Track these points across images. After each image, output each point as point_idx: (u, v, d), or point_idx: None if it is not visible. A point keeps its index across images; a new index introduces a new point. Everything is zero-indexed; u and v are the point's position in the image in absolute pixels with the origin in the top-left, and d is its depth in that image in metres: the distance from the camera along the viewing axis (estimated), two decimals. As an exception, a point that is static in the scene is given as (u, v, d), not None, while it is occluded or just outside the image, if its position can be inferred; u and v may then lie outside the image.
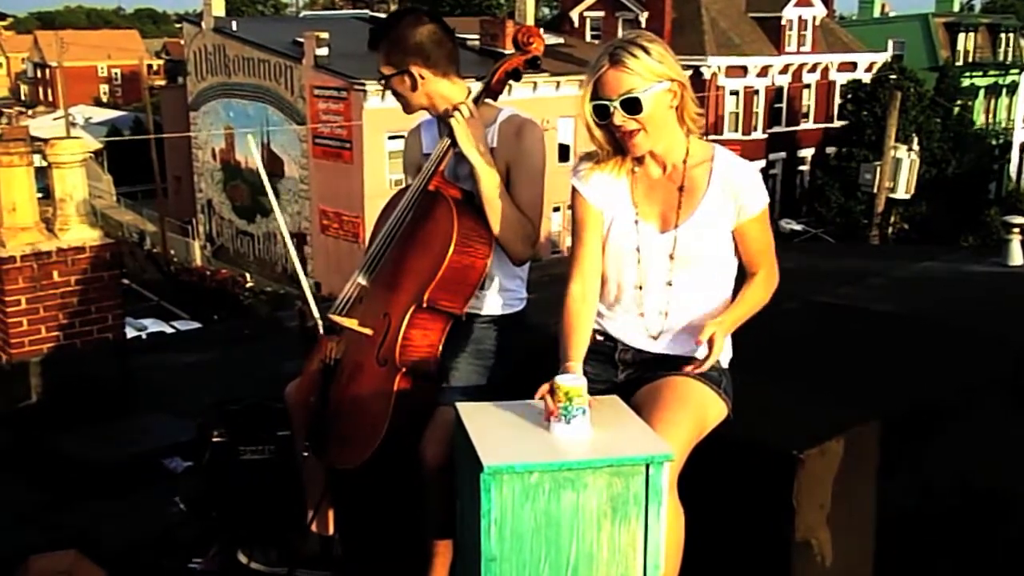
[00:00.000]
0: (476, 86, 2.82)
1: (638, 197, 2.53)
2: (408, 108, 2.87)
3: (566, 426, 2.17)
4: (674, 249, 2.49)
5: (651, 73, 2.36)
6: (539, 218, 2.77)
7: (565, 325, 2.48)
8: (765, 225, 2.54)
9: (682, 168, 2.50)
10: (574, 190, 2.57)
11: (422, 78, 2.78)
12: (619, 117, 2.39)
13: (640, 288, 2.53)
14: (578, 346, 2.44)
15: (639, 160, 2.53)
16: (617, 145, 2.49)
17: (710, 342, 2.41)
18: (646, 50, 2.37)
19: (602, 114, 2.41)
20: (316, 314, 3.09)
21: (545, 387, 2.22)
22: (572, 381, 2.18)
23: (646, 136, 2.42)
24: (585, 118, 2.45)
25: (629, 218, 2.53)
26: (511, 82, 2.85)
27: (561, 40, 30.15)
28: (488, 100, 2.83)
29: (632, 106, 2.37)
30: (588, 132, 2.49)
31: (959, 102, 36.31)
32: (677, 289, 2.52)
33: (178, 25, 52.26)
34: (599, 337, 2.63)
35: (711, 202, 2.48)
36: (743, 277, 2.59)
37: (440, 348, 2.77)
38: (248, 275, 29.86)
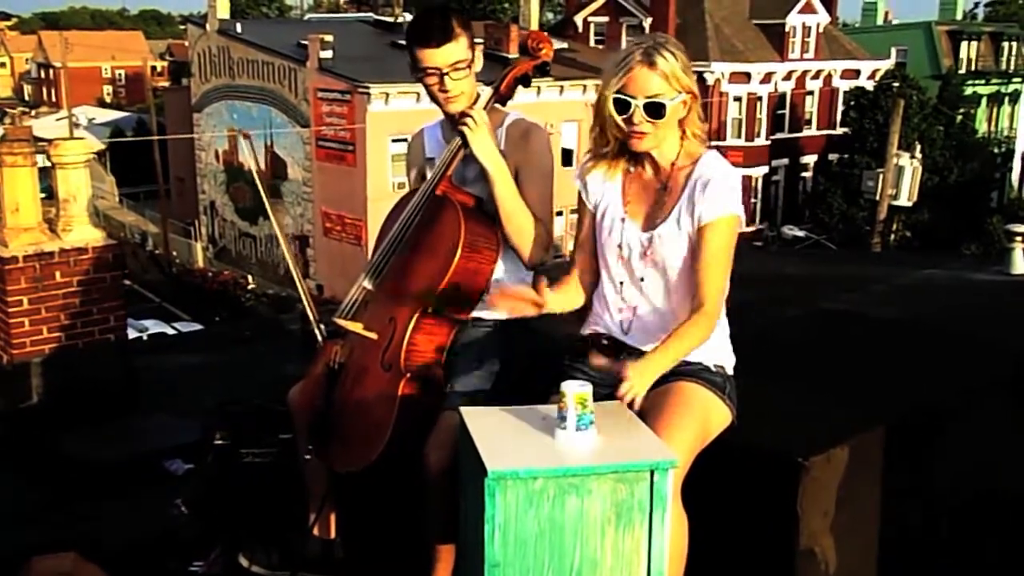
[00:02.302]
0: (485, 91, 2.82)
1: (629, 196, 2.58)
2: (462, 99, 2.75)
3: (577, 433, 2.16)
4: (649, 248, 2.52)
5: (677, 82, 2.40)
6: (549, 221, 2.77)
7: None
8: (719, 241, 2.42)
9: (670, 170, 2.53)
10: (578, 188, 2.66)
11: (479, 59, 2.78)
12: (638, 116, 2.41)
13: (621, 284, 2.58)
14: None
15: (635, 160, 2.57)
16: (619, 139, 2.50)
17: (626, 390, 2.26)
18: (676, 58, 2.40)
19: (620, 108, 2.42)
20: (314, 320, 3.09)
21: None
22: (581, 388, 2.18)
23: (652, 139, 2.46)
24: (604, 106, 2.44)
25: (617, 215, 2.58)
26: (518, 87, 2.85)
27: (565, 45, 30.16)
28: (496, 105, 2.82)
29: (656, 111, 2.40)
30: (594, 118, 2.50)
31: (962, 110, 36.27)
32: (647, 287, 2.55)
33: (182, 27, 52.29)
34: (603, 341, 2.63)
35: (685, 204, 2.49)
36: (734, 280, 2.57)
37: (445, 353, 2.77)
38: (250, 277, 29.87)
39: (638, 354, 2.58)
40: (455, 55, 2.69)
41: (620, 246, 2.55)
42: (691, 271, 2.47)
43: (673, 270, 2.52)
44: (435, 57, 2.68)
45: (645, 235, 2.53)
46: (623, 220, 2.56)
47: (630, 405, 2.33)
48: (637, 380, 2.28)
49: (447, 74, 2.70)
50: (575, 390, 2.16)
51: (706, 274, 2.43)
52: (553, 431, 2.18)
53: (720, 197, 2.43)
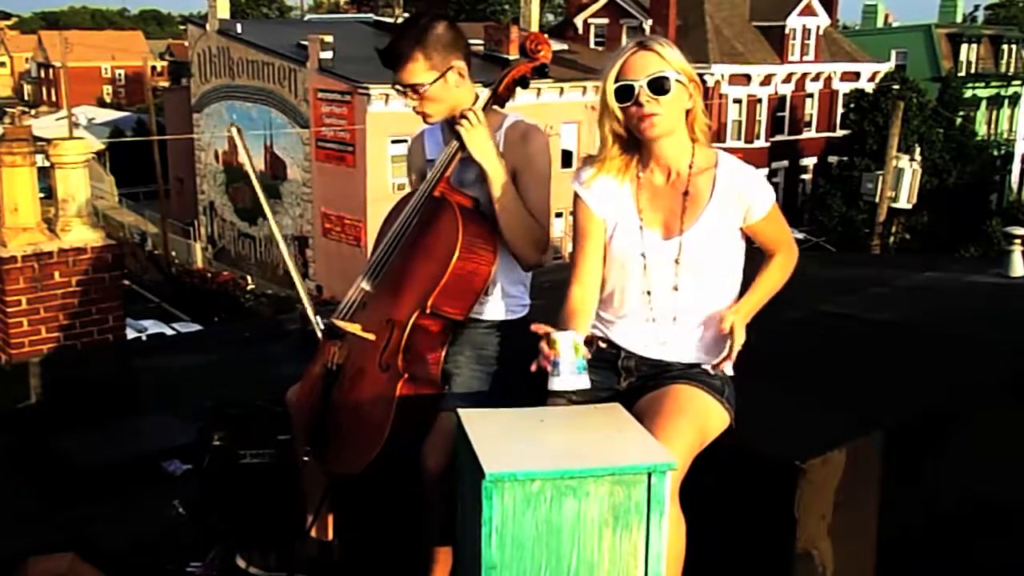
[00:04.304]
0: (483, 92, 2.81)
1: (642, 203, 2.54)
2: (435, 115, 2.77)
3: (571, 377, 2.17)
4: (680, 254, 2.49)
5: (677, 63, 2.41)
6: (548, 223, 2.76)
7: (563, 323, 2.49)
8: (776, 217, 2.57)
9: (687, 175, 2.51)
10: (576, 196, 2.58)
11: (461, 76, 2.75)
12: (644, 96, 2.38)
13: (648, 293, 2.53)
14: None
15: (644, 165, 2.53)
16: (624, 142, 2.49)
17: (731, 331, 2.45)
18: (672, 47, 2.43)
19: (624, 96, 2.40)
20: (314, 319, 3.09)
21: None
22: (573, 335, 2.22)
23: (663, 121, 2.41)
24: (606, 102, 2.43)
25: (634, 224, 2.53)
26: (517, 88, 2.85)
27: (565, 46, 30.16)
28: (495, 107, 2.82)
29: (659, 86, 2.38)
30: (599, 122, 2.49)
31: (961, 113, 36.29)
32: (683, 293, 2.52)
33: (182, 27, 52.22)
34: (602, 344, 2.62)
35: (715, 209, 2.48)
36: (747, 282, 2.59)
37: (443, 354, 2.77)
38: (249, 277, 29.86)
39: (637, 359, 2.58)
40: (413, 77, 2.70)
41: (644, 255, 2.51)
42: (733, 271, 2.56)
43: (708, 275, 2.51)
44: (399, 77, 2.74)
45: (670, 242, 2.50)
46: (641, 228, 2.53)
47: (634, 405, 2.36)
48: (738, 318, 2.46)
49: (408, 94, 2.74)
50: (568, 337, 2.18)
51: (781, 241, 2.60)
52: (550, 433, 2.18)
53: (761, 191, 2.51)
